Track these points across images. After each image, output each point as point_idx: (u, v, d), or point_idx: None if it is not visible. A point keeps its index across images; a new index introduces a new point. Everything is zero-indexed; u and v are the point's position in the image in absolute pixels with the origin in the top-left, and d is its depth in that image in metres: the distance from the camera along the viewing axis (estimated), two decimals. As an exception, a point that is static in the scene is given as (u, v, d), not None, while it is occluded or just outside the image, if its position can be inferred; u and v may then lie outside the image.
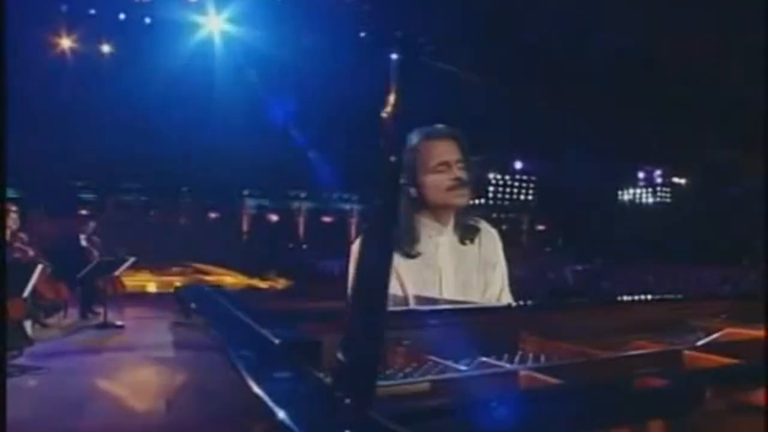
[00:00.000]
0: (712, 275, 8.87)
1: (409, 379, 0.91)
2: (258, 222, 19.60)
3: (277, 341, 0.78)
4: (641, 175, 19.57)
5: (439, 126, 1.75)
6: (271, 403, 0.56)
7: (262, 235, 18.81)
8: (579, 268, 9.94)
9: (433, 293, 1.69)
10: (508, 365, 0.98)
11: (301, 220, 19.84)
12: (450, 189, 1.69)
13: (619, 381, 0.77)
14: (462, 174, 1.70)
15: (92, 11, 11.57)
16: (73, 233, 8.83)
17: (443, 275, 1.72)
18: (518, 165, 19.30)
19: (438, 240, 1.75)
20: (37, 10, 10.58)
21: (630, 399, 0.71)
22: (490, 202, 19.01)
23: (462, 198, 1.72)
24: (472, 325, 1.35)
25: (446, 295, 1.70)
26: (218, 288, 1.28)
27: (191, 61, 11.29)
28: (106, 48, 12.71)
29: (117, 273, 8.13)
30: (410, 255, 1.70)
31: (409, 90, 0.66)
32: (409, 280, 1.69)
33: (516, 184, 19.29)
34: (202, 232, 17.61)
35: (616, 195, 20.15)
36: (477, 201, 18.87)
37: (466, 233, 1.78)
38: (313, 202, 19.78)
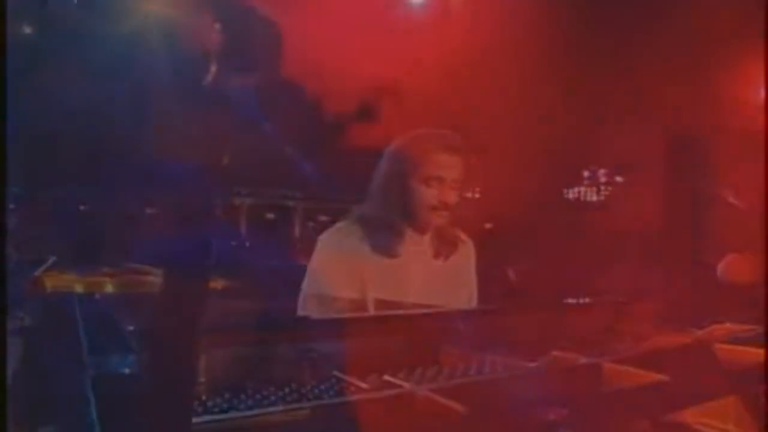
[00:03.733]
0: (660, 275, 9.05)
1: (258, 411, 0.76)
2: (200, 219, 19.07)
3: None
4: (585, 174, 20.09)
5: (450, 135, 1.63)
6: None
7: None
8: (520, 265, 10.03)
9: (395, 302, 1.60)
10: (407, 385, 0.86)
11: (244, 218, 19.41)
12: (433, 208, 1.62)
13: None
14: (450, 196, 1.61)
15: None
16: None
17: (409, 288, 1.64)
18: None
19: (411, 250, 1.67)
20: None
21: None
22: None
23: (441, 219, 1.65)
24: (393, 334, 1.24)
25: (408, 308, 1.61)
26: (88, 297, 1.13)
27: (125, 41, 10.78)
28: (27, 29, 11.96)
29: (36, 274, 7.67)
30: (379, 252, 1.61)
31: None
32: (373, 284, 1.59)
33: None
34: (140, 230, 16.94)
35: (560, 193, 20.62)
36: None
37: (442, 247, 1.71)
38: (257, 198, 19.39)
